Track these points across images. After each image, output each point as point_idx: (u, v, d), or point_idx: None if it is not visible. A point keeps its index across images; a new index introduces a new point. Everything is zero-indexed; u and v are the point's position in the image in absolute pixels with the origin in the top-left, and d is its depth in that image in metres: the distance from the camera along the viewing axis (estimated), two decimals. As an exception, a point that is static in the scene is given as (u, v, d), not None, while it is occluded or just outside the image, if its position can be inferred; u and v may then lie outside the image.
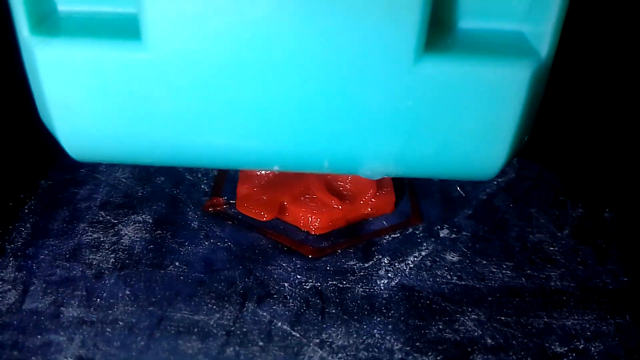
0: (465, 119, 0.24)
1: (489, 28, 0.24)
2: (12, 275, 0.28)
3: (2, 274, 0.28)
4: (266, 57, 0.23)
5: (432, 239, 0.31)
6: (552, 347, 0.25)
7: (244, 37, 0.22)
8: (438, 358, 0.25)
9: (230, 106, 0.24)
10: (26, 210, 0.32)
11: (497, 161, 0.25)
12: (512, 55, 0.23)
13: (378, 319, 0.26)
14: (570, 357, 0.25)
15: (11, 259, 0.29)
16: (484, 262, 0.29)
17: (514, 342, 0.26)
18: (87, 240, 0.30)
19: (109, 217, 0.31)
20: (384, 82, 0.23)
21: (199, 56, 0.23)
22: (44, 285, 0.27)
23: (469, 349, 0.25)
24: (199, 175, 0.34)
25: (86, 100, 0.24)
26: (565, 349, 0.25)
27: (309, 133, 0.25)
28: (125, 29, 0.23)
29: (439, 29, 0.24)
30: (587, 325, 0.26)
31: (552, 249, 0.30)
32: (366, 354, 0.25)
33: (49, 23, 0.24)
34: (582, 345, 0.26)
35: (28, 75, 0.25)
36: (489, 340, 0.26)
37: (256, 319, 0.26)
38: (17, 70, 0.25)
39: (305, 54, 0.22)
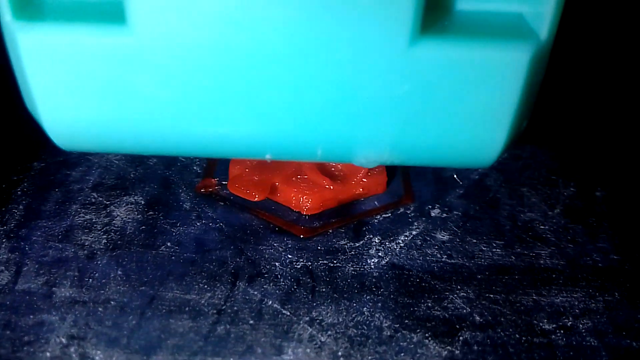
0: (462, 104, 0.23)
1: (487, 10, 0.23)
2: (5, 256, 0.28)
3: (-5, 255, 0.28)
4: (257, 42, 0.22)
5: (423, 219, 0.31)
6: (541, 324, 0.26)
7: (234, 21, 0.21)
8: (426, 335, 0.25)
9: (220, 93, 0.23)
10: (19, 192, 0.32)
11: (495, 148, 0.25)
12: (511, 38, 0.22)
13: (368, 297, 0.26)
14: (559, 334, 0.25)
15: (4, 240, 0.29)
16: (474, 240, 0.29)
17: (502, 319, 0.26)
18: (80, 221, 0.30)
19: (101, 199, 0.31)
20: (378, 66, 0.22)
21: (187, 40, 0.22)
22: (36, 266, 0.28)
23: (457, 326, 0.25)
24: (191, 157, 0.34)
25: (71, 87, 0.23)
26: (554, 325, 0.26)
27: (301, 121, 0.24)
28: (111, 12, 0.23)
29: (435, 11, 0.23)
30: (576, 303, 0.27)
31: (542, 227, 0.30)
32: (355, 331, 0.25)
33: (33, 7, 0.23)
34: (570, 322, 0.26)
35: (12, 62, 0.24)
36: (478, 318, 0.26)
37: (247, 297, 0.26)
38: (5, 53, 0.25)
39: (296, 39, 0.22)
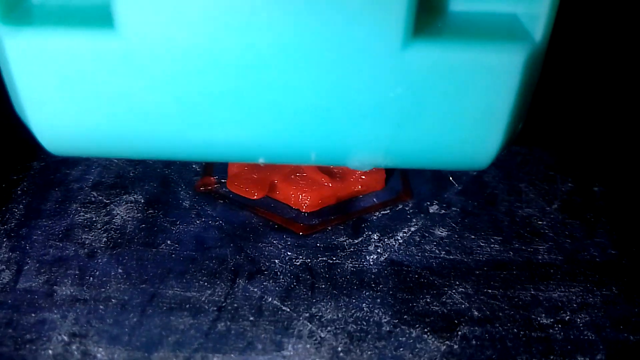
0: (456, 107, 0.23)
1: (481, 10, 0.23)
2: (6, 255, 0.28)
3: (-4, 255, 0.28)
4: (246, 45, 0.22)
5: (422, 215, 0.31)
6: (539, 318, 0.26)
7: (222, 23, 0.21)
8: (425, 330, 0.25)
9: (210, 97, 0.23)
10: (19, 192, 0.32)
11: (491, 150, 0.24)
12: (505, 40, 0.22)
13: (367, 293, 0.27)
14: (556, 328, 0.25)
15: (5, 239, 0.29)
16: (472, 236, 0.30)
17: (501, 314, 0.26)
18: (80, 220, 0.30)
19: (101, 197, 0.32)
20: (371, 69, 0.22)
21: (176, 44, 0.22)
22: (37, 265, 0.28)
23: (456, 321, 0.26)
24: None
25: (60, 92, 0.23)
26: (552, 320, 0.26)
27: (293, 124, 0.24)
28: (99, 16, 0.22)
29: (429, 12, 0.23)
30: (574, 297, 0.27)
31: (540, 223, 0.31)
32: (355, 326, 0.25)
33: (20, 12, 0.23)
34: (568, 317, 0.26)
35: (0, 67, 0.24)
36: (476, 313, 0.26)
37: (247, 294, 0.27)
38: None
39: (286, 41, 0.21)
